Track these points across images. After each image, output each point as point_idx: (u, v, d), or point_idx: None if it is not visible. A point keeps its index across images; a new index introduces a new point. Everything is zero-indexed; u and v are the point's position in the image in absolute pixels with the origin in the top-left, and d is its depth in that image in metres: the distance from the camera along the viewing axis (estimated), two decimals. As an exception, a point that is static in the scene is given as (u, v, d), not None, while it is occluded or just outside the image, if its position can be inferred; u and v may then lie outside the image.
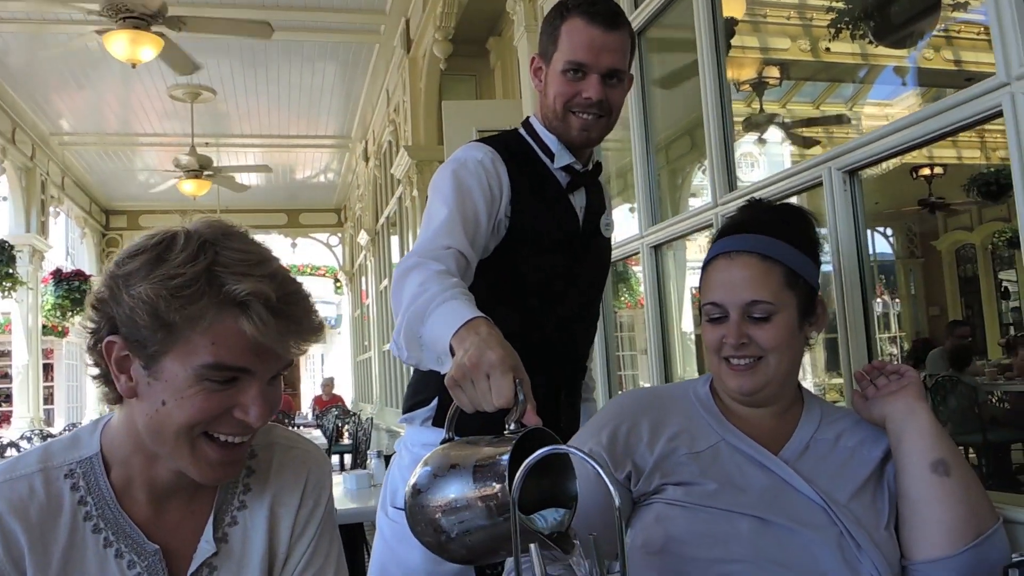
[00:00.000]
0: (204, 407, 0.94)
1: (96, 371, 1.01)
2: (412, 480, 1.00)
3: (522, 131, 1.75)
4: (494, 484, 0.89)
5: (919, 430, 1.28)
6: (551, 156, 1.70)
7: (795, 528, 1.21)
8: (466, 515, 0.93)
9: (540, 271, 1.68)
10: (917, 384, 1.32)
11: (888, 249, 11.57)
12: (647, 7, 2.82)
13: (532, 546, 0.77)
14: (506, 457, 0.90)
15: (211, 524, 1.05)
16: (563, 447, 0.86)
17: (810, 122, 6.21)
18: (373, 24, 7.13)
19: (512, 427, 0.97)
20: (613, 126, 1.70)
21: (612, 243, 1.93)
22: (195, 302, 0.92)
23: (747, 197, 1.55)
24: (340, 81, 8.32)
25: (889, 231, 11.45)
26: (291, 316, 0.95)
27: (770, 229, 1.33)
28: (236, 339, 0.92)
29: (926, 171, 8.38)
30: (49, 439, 1.16)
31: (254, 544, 1.06)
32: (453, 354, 1.11)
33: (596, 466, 0.78)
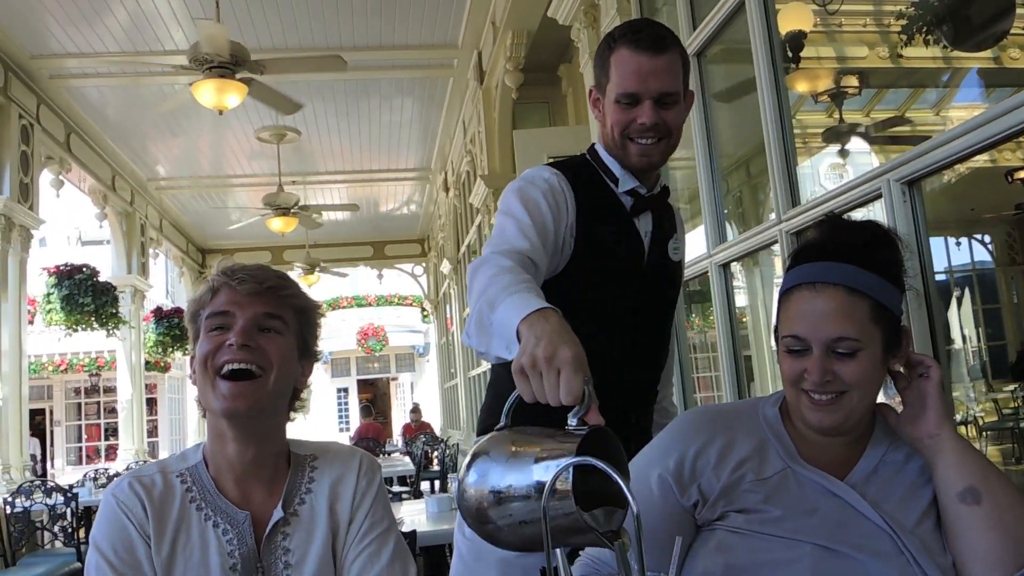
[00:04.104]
0: (209, 345, 1.36)
1: None
2: (468, 465, 1.01)
3: (588, 157, 1.77)
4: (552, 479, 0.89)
5: (943, 459, 1.23)
6: (615, 181, 1.72)
7: (859, 557, 1.18)
8: (521, 505, 0.93)
9: (607, 294, 1.69)
10: (936, 401, 1.26)
11: (987, 257, 11.11)
12: (706, 27, 2.83)
13: (558, 551, 0.79)
14: (569, 455, 0.90)
15: (282, 500, 1.40)
16: (591, 460, 0.87)
17: (889, 123, 6.02)
18: (446, 59, 7.29)
19: (574, 423, 0.97)
20: (675, 146, 1.71)
21: (683, 265, 1.91)
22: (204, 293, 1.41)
23: (824, 212, 1.51)
24: (418, 115, 8.52)
25: (987, 238, 10.99)
26: (236, 277, 1.37)
27: (856, 256, 1.25)
28: (218, 298, 1.38)
29: (1022, 173, 8.02)
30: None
31: (319, 513, 1.41)
32: (520, 340, 1.12)
33: (619, 480, 0.79)
